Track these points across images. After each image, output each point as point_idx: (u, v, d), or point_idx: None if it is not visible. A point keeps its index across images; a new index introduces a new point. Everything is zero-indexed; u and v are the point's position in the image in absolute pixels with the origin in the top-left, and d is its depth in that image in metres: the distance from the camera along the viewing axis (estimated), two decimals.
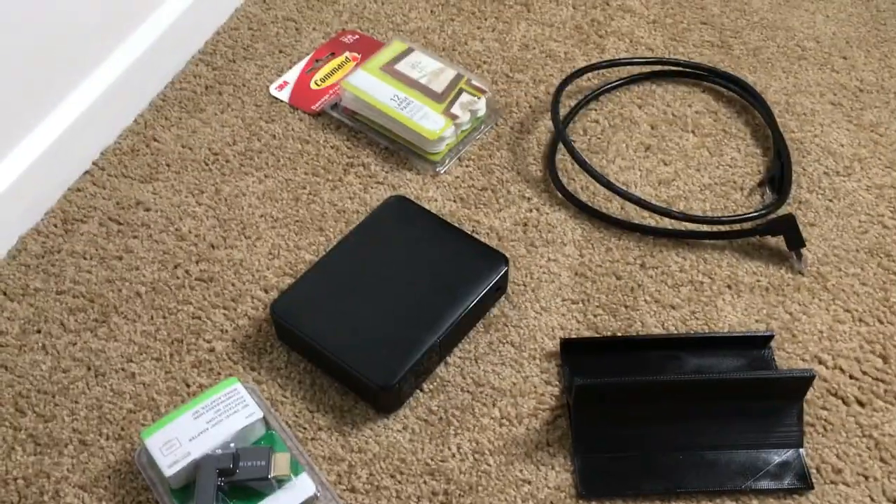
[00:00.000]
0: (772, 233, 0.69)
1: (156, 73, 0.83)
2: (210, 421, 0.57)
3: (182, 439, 0.56)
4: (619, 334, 0.65)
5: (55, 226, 0.72)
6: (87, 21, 0.74)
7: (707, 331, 0.65)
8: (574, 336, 0.65)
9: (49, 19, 0.69)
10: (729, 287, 0.68)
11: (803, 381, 0.58)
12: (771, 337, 0.63)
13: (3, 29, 0.65)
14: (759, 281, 0.68)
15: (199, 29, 0.87)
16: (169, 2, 0.83)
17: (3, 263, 0.69)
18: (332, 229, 0.72)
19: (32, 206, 0.72)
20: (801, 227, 0.69)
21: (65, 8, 0.71)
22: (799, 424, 0.59)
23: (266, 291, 0.68)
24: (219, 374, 0.63)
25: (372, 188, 0.75)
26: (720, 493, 0.57)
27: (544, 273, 0.69)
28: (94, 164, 0.77)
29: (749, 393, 0.58)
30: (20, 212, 0.71)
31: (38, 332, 0.65)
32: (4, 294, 0.67)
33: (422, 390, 0.63)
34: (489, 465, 0.59)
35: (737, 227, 0.71)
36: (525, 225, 0.72)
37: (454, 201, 0.74)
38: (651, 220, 0.72)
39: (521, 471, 0.59)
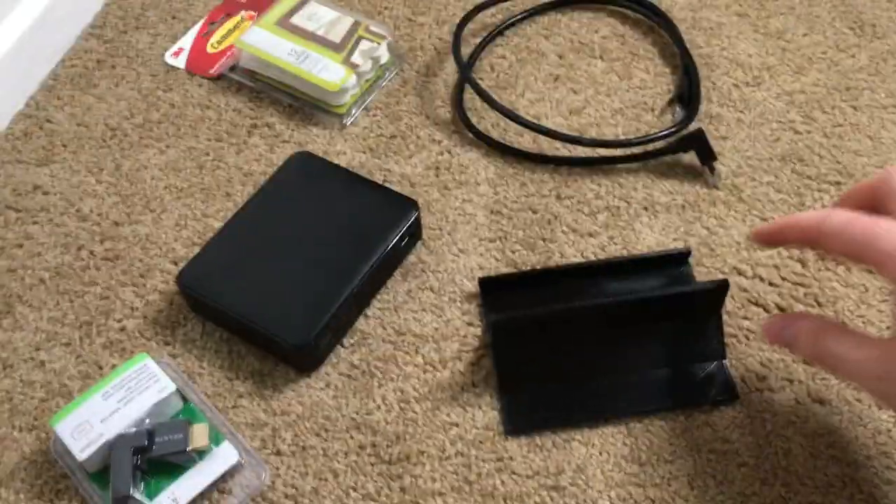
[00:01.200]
0: (683, 149, 0.69)
1: (44, 51, 0.79)
2: (121, 400, 0.55)
3: (93, 422, 0.54)
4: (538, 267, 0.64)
5: None
6: None
7: (626, 254, 0.65)
8: (493, 274, 0.64)
9: None
10: (646, 209, 0.67)
11: (719, 292, 0.57)
12: (688, 253, 0.63)
13: None
14: (674, 199, 0.68)
15: (87, 1, 0.83)
16: None
17: None
18: (239, 194, 0.70)
19: None
20: (712, 142, 0.68)
21: None
22: (720, 335, 0.58)
23: (175, 264, 0.66)
24: (132, 352, 0.61)
25: (278, 147, 0.73)
26: (648, 413, 0.57)
27: (459, 215, 0.68)
28: None
29: (667, 310, 0.58)
30: None
31: None
32: None
33: (342, 346, 0.61)
34: (415, 412, 0.58)
35: (649, 147, 0.70)
36: (437, 168, 0.71)
37: (364, 152, 0.72)
38: (564, 150, 0.71)
39: (447, 414, 0.58)
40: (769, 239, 0.51)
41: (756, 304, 0.62)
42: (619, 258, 0.64)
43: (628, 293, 0.61)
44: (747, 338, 0.60)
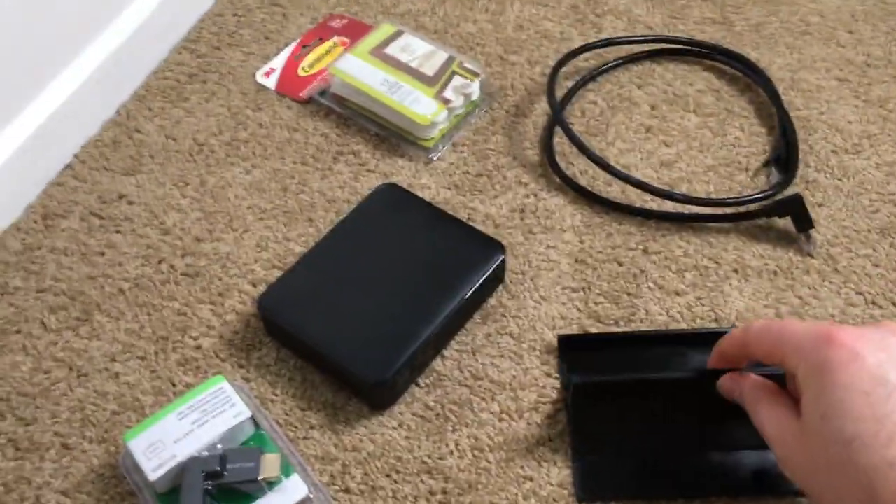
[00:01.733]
0: (779, 214, 0.67)
1: (138, 62, 0.80)
2: (196, 422, 0.54)
3: (166, 441, 0.53)
4: (621, 326, 0.63)
5: (35, 221, 0.69)
6: (68, 9, 0.71)
7: (713, 317, 0.63)
8: (575, 326, 0.63)
9: (28, 7, 0.67)
10: (735, 271, 0.65)
11: None
12: None
13: None
14: (766, 264, 0.66)
15: (183, 16, 0.84)
16: None
17: None
18: (321, 220, 0.70)
19: (11, 201, 0.69)
20: (809, 208, 0.66)
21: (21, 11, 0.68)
22: None
23: (254, 285, 0.66)
24: (206, 372, 0.61)
25: (363, 176, 0.73)
26: (731, 496, 0.54)
27: (543, 261, 0.67)
28: (75, 157, 0.74)
29: None
30: None
31: (18, 332, 0.63)
32: None
33: (418, 385, 0.60)
34: (489, 461, 0.56)
35: (742, 209, 0.68)
36: (522, 211, 0.70)
37: (448, 188, 0.72)
38: (653, 203, 0.70)
39: (522, 467, 0.56)
40: (725, 365, 0.54)
41: None
42: (706, 329, 0.61)
43: None
44: None
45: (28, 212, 0.70)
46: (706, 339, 0.60)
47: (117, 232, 0.69)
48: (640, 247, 0.67)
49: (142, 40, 0.79)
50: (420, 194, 0.70)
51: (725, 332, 0.60)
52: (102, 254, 0.68)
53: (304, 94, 0.79)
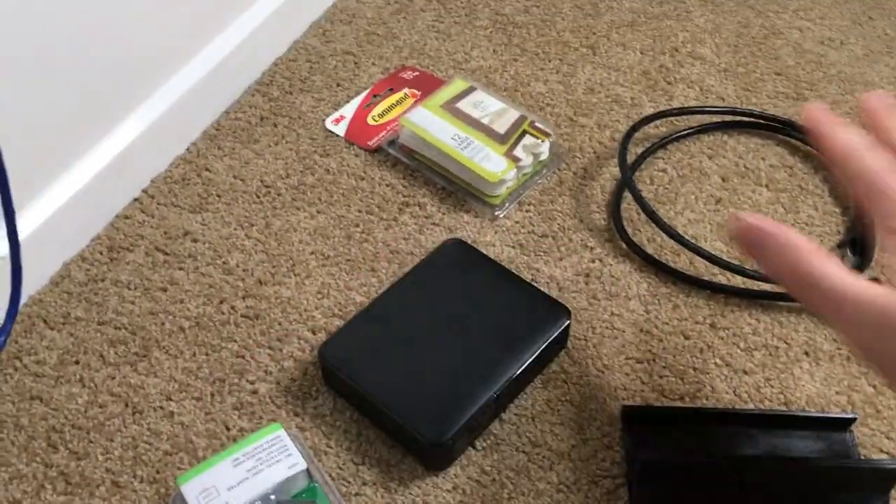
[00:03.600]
0: None
1: (211, 101, 0.81)
2: (251, 469, 0.53)
3: (220, 488, 0.52)
4: (686, 401, 0.61)
5: (101, 253, 0.70)
6: (145, 47, 0.73)
7: (782, 400, 0.61)
8: (638, 398, 0.61)
9: (108, 43, 0.68)
10: (807, 354, 0.63)
11: (891, 473, 0.53)
12: (853, 420, 0.58)
13: (61, 51, 0.63)
14: (839, 349, 0.64)
15: (257, 59, 0.86)
16: (227, 31, 0.81)
17: (46, 290, 0.67)
18: (384, 270, 0.69)
19: (79, 231, 0.70)
20: None
21: (124, 33, 0.69)
22: None
23: (314, 332, 0.65)
24: (261, 417, 0.60)
25: (427, 229, 0.72)
26: None
27: (607, 328, 0.65)
28: (143, 191, 0.75)
29: (829, 481, 0.53)
30: (66, 237, 0.69)
31: (77, 363, 0.63)
32: (45, 322, 0.65)
33: (474, 448, 0.59)
34: None
35: None
36: (587, 276, 0.69)
37: (513, 247, 0.71)
38: (722, 277, 0.68)
39: None
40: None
41: None
42: (777, 411, 0.60)
43: (782, 452, 0.57)
44: None
45: (94, 243, 0.71)
46: (777, 421, 0.58)
47: (180, 269, 0.69)
48: (708, 321, 0.66)
49: (216, 80, 0.80)
50: (484, 251, 0.69)
51: (797, 416, 0.58)
52: (165, 290, 0.68)
53: (372, 142, 0.79)
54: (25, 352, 0.63)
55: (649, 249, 0.70)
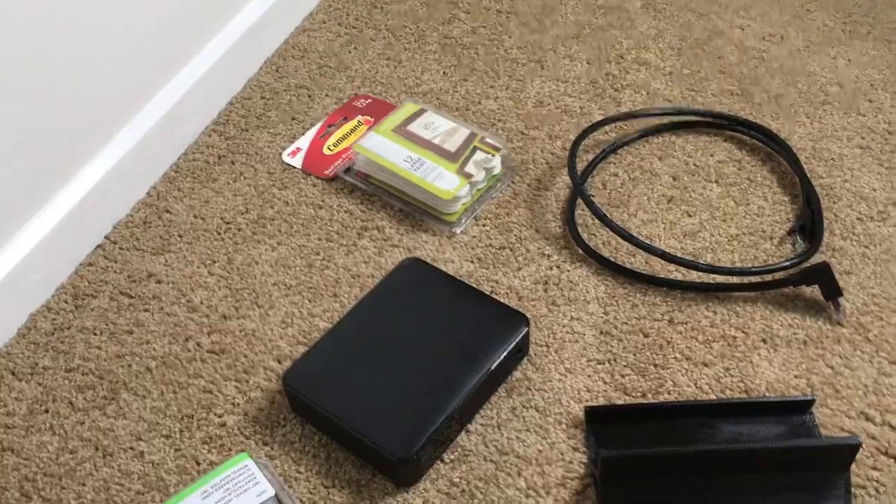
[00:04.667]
0: (806, 282, 0.66)
1: (168, 144, 0.82)
2: (220, 500, 0.54)
3: None
4: (648, 398, 0.62)
5: (66, 301, 0.71)
6: (100, 93, 0.74)
7: (743, 388, 0.62)
8: (601, 398, 0.62)
9: (63, 90, 0.69)
10: (764, 341, 0.64)
11: (849, 450, 0.53)
12: (812, 402, 0.59)
13: (16, 101, 0.65)
14: (795, 334, 0.65)
15: (212, 99, 0.87)
16: (181, 74, 0.83)
17: (13, 342, 0.68)
18: (346, 295, 0.70)
19: (43, 282, 0.71)
20: (836, 276, 0.65)
21: (78, 80, 0.71)
22: (847, 496, 0.54)
23: (279, 361, 0.66)
24: (230, 449, 0.61)
25: (387, 251, 0.73)
26: None
27: (567, 333, 0.66)
28: (106, 237, 0.76)
29: (790, 463, 0.54)
30: (30, 288, 0.70)
31: (46, 411, 0.63)
32: (13, 374, 0.66)
33: (442, 461, 0.59)
34: None
35: (768, 277, 0.68)
36: (546, 283, 0.70)
37: (472, 262, 0.72)
38: (678, 273, 0.69)
39: None
40: None
41: (886, 454, 0.57)
42: (735, 400, 0.60)
43: (745, 439, 0.58)
44: (877, 490, 0.56)
45: (59, 292, 0.72)
46: (736, 409, 0.59)
47: (145, 310, 0.70)
48: (666, 317, 0.67)
49: (172, 123, 0.81)
50: (444, 268, 0.70)
51: (754, 402, 0.59)
52: (130, 332, 0.68)
53: (329, 171, 0.81)
54: None
55: (605, 253, 0.72)
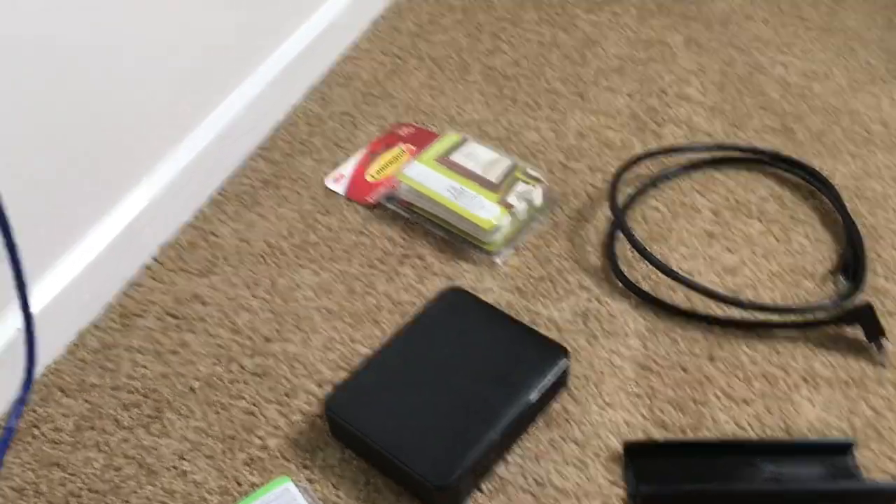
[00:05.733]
0: (848, 322, 0.66)
1: (215, 168, 0.84)
2: None
3: None
4: (688, 434, 0.62)
5: (113, 321, 0.72)
6: (150, 117, 0.76)
7: (783, 427, 0.61)
8: (640, 433, 0.62)
9: (114, 113, 0.71)
10: (805, 381, 0.64)
11: (892, 494, 0.53)
12: (853, 444, 0.59)
13: (68, 124, 0.67)
14: (837, 374, 0.64)
15: (258, 124, 0.89)
16: (229, 99, 0.85)
17: (62, 359, 0.69)
18: (387, 322, 0.71)
19: (92, 301, 0.73)
20: (879, 317, 0.65)
21: (128, 103, 0.73)
22: None
23: (320, 386, 0.67)
24: (271, 472, 0.61)
25: (427, 279, 0.74)
26: None
27: (607, 366, 0.66)
28: (153, 259, 0.77)
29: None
30: (80, 307, 0.71)
31: (92, 428, 0.65)
32: (61, 390, 0.67)
33: (480, 490, 0.60)
34: None
35: (810, 316, 0.68)
36: (585, 316, 0.70)
37: (511, 292, 0.73)
38: (718, 310, 0.69)
39: None
40: None
41: None
42: (777, 440, 0.60)
43: (785, 479, 0.57)
44: None
45: (107, 311, 0.73)
46: (777, 449, 0.59)
47: (190, 331, 0.71)
48: (706, 353, 0.67)
49: (220, 148, 0.83)
50: (484, 298, 0.71)
51: (798, 443, 0.59)
52: (175, 353, 0.70)
53: (371, 198, 0.82)
54: (43, 420, 0.65)
55: (645, 287, 0.72)
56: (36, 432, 0.64)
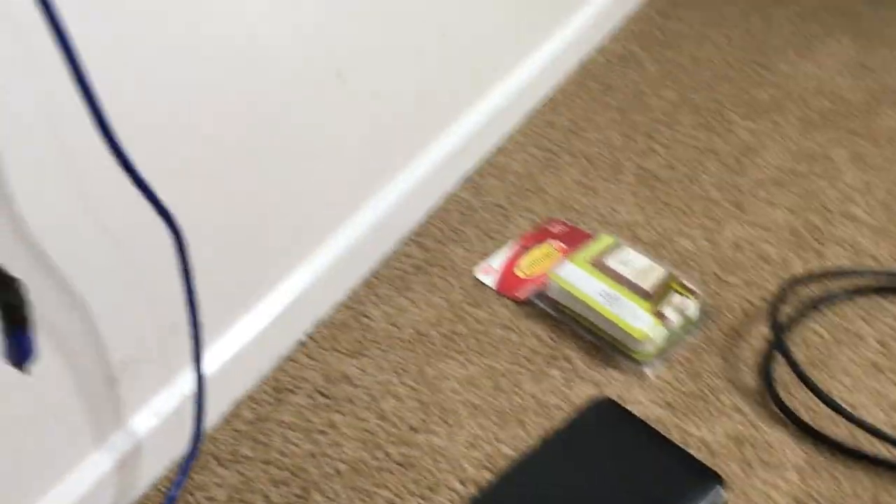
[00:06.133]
0: None
1: (371, 251, 0.87)
2: None
3: None
4: None
5: (267, 393, 0.75)
6: (314, 201, 0.79)
7: None
8: None
9: (283, 197, 0.75)
10: None
11: None
12: None
13: (239, 210, 0.71)
14: None
15: (413, 211, 0.92)
16: (389, 186, 0.88)
17: (219, 427, 0.72)
18: (532, 424, 0.71)
19: (249, 372, 0.75)
20: None
21: (296, 188, 0.76)
22: None
23: (463, 484, 0.67)
24: None
25: (575, 384, 0.74)
26: None
27: (763, 499, 0.64)
28: (307, 335, 0.80)
29: None
30: (238, 377, 0.74)
31: (243, 501, 0.67)
32: (216, 459, 0.70)
33: None
34: None
35: None
36: (739, 441, 0.68)
37: (661, 406, 0.71)
38: (885, 450, 0.66)
39: None
40: None
41: None
42: None
43: None
44: None
45: (262, 383, 0.76)
46: None
47: (339, 412, 0.73)
48: (871, 497, 0.63)
49: (376, 232, 0.86)
50: (631, 409, 0.70)
51: None
52: (324, 433, 0.71)
53: (520, 294, 0.82)
54: (198, 488, 0.67)
55: (804, 416, 0.69)
56: (190, 499, 0.67)
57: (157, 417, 0.67)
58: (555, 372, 0.75)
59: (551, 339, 0.78)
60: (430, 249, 0.89)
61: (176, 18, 0.57)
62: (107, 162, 0.54)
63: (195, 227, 0.64)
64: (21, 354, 0.45)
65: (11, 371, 0.53)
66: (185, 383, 0.69)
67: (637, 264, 0.80)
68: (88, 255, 0.56)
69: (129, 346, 0.63)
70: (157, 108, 0.57)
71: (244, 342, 0.73)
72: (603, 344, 0.76)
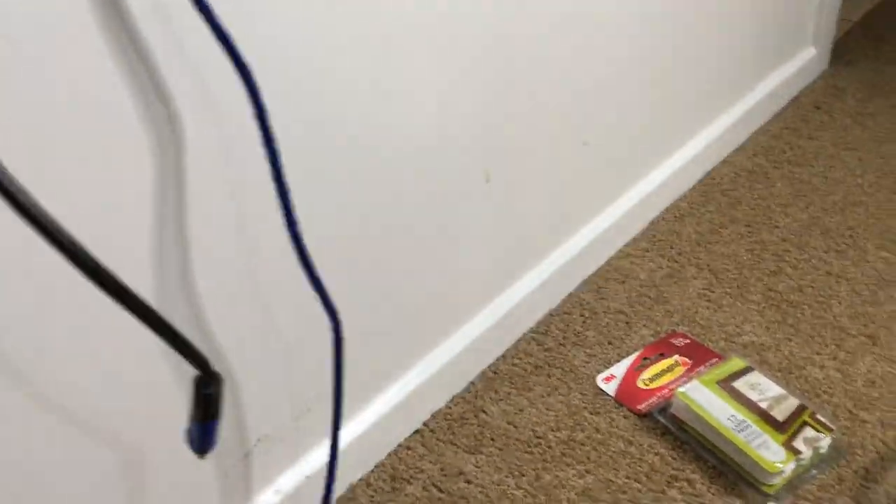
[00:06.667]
0: None
1: (493, 346, 0.87)
2: None
3: None
4: None
5: (384, 481, 0.75)
6: (445, 298, 0.81)
7: None
8: None
9: (415, 290, 0.76)
10: None
11: None
12: None
13: (373, 298, 0.72)
14: None
15: (536, 309, 0.92)
16: (517, 285, 0.89)
17: None
18: None
19: (368, 458, 0.76)
20: None
21: (426, 284, 0.77)
22: None
23: None
24: None
25: None
26: None
27: None
28: (424, 424, 0.80)
29: None
30: (357, 462, 0.75)
31: None
32: None
33: None
34: None
35: None
36: None
37: None
38: None
39: None
40: None
41: None
42: None
43: None
44: None
45: (378, 470, 0.76)
46: None
47: None
48: None
49: (499, 328, 0.87)
50: None
51: None
52: None
53: (642, 407, 0.81)
54: None
55: None
56: None
57: (278, 495, 0.68)
58: (675, 494, 0.73)
59: (672, 458, 0.76)
60: (551, 350, 0.89)
61: (351, 127, 0.60)
62: (287, 263, 0.57)
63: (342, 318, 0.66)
64: (206, 444, 0.46)
65: (161, 447, 0.55)
66: (307, 464, 0.69)
67: (769, 392, 0.78)
68: (251, 342, 0.59)
69: (268, 425, 0.64)
70: (337, 222, 0.60)
71: (364, 428, 0.74)
72: (727, 470, 0.74)
